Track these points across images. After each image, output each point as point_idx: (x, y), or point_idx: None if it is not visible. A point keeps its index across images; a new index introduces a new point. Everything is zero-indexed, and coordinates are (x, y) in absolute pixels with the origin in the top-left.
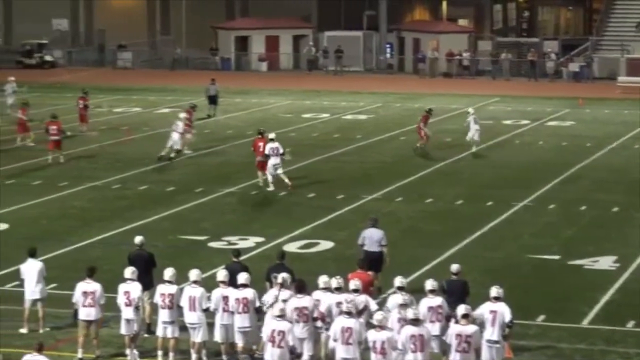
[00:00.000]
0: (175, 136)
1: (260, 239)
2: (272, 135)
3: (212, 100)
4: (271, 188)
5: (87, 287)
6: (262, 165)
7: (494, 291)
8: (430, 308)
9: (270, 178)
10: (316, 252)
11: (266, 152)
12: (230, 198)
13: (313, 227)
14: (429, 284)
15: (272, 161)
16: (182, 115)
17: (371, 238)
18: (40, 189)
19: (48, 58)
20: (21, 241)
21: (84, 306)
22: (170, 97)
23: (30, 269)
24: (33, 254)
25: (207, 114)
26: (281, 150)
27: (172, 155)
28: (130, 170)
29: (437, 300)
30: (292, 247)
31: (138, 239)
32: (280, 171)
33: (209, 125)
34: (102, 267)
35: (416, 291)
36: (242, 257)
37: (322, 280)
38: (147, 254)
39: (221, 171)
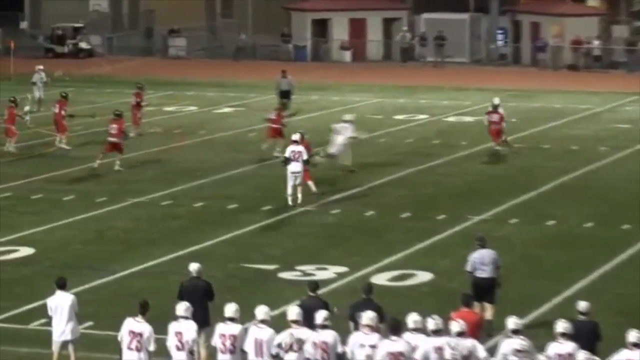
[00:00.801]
0: (340, 139)
1: (342, 269)
2: (295, 137)
3: (285, 96)
4: (290, 203)
5: (135, 327)
6: (306, 174)
7: (633, 336)
8: (560, 356)
9: (289, 190)
10: (411, 285)
11: (286, 154)
12: (304, 218)
13: (407, 255)
14: (561, 326)
15: (292, 168)
16: (348, 116)
17: (482, 261)
18: (73, 206)
19: (84, 45)
20: (49, 269)
21: (129, 348)
22: (233, 94)
23: (60, 304)
24: (63, 286)
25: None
26: (305, 157)
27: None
28: (183, 184)
29: (569, 347)
30: (381, 279)
31: (194, 267)
32: (299, 181)
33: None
34: (148, 301)
35: (529, 332)
36: (321, 291)
37: (412, 319)
38: (204, 283)
39: None
